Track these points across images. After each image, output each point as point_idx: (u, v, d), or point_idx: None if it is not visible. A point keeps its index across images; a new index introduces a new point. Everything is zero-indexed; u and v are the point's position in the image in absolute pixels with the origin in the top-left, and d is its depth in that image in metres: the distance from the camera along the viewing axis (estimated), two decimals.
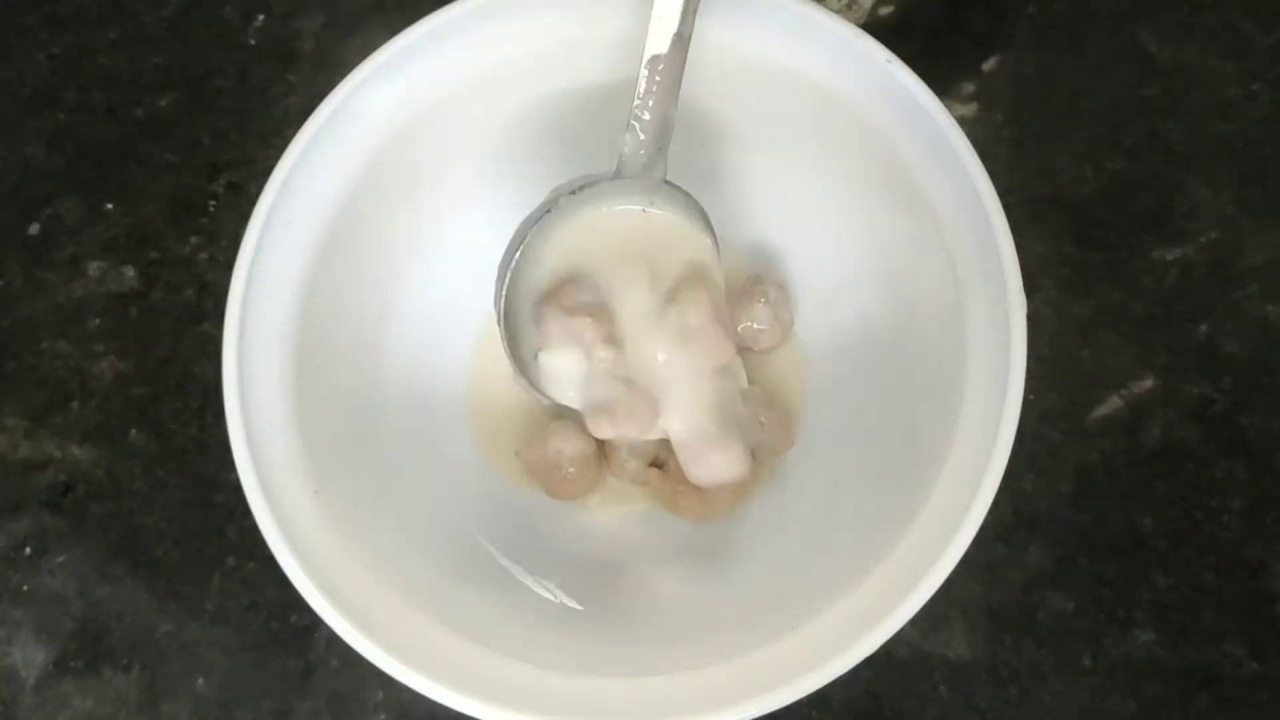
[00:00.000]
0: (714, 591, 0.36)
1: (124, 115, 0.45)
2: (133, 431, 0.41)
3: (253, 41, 0.45)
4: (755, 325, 0.38)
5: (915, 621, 0.29)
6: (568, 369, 0.34)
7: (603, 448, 0.37)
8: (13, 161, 0.44)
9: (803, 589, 0.33)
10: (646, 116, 0.33)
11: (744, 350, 0.38)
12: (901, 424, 0.35)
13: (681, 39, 0.32)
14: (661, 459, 0.37)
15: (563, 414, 0.37)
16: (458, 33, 0.34)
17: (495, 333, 0.35)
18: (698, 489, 0.35)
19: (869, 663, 0.29)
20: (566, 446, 0.36)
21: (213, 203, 0.43)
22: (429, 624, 0.31)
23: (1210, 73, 0.43)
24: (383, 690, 0.37)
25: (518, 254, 0.34)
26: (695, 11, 0.32)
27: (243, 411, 0.32)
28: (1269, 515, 0.38)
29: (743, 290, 0.38)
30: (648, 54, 0.32)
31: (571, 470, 0.36)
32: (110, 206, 0.43)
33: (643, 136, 0.33)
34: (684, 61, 0.33)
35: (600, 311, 0.34)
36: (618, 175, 0.34)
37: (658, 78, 0.33)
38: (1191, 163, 0.42)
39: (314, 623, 0.37)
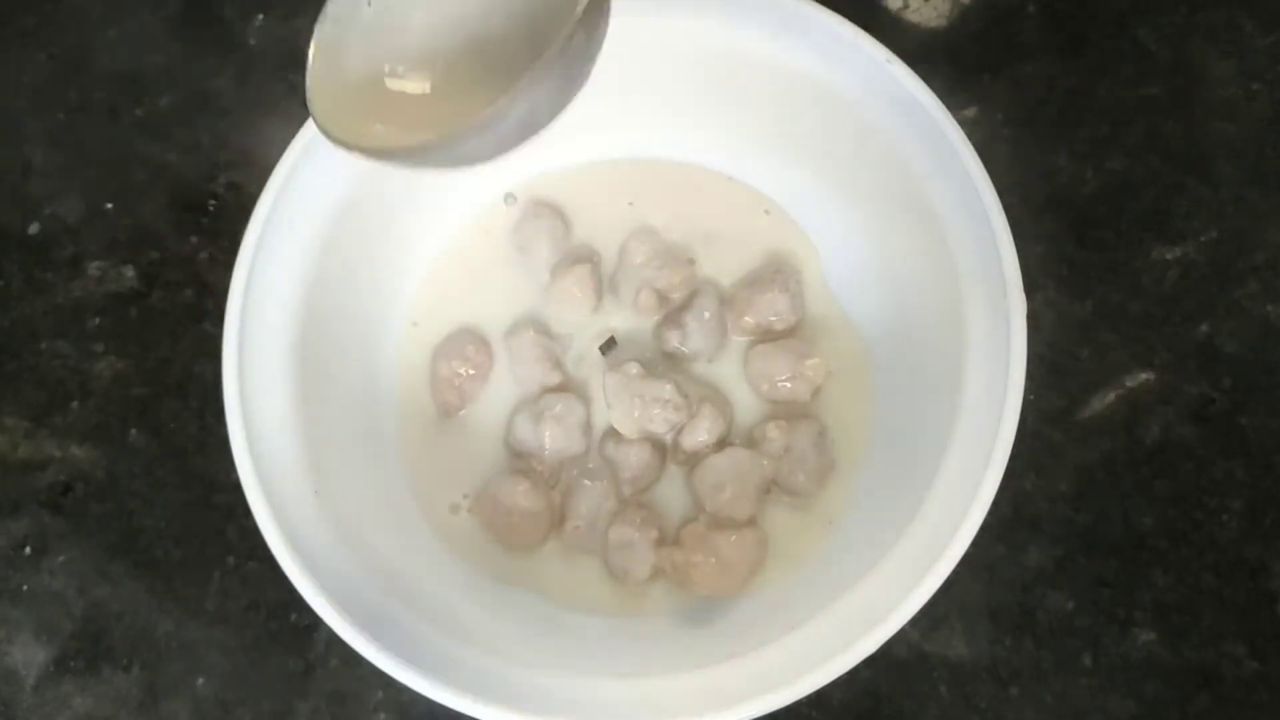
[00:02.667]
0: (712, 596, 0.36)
1: (124, 115, 0.44)
2: (133, 431, 0.41)
3: (253, 41, 0.45)
4: (772, 316, 0.37)
5: (915, 621, 0.29)
6: None
7: (553, 499, 0.36)
8: (13, 161, 0.44)
9: (802, 590, 0.33)
10: None
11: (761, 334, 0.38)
12: (901, 424, 0.35)
13: None
14: (672, 535, 0.36)
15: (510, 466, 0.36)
16: None
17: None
18: (711, 561, 0.34)
19: (869, 663, 0.29)
20: (516, 499, 0.35)
21: (213, 203, 0.43)
22: (428, 624, 0.31)
23: (1210, 73, 0.43)
24: (383, 690, 0.37)
25: None
26: None
27: (243, 411, 0.32)
28: (1269, 515, 0.38)
29: (765, 279, 0.38)
30: None
31: (523, 519, 0.35)
32: (110, 206, 0.43)
33: None
34: None
35: None
36: None
37: None
38: (1191, 163, 0.42)
39: (314, 623, 0.37)
